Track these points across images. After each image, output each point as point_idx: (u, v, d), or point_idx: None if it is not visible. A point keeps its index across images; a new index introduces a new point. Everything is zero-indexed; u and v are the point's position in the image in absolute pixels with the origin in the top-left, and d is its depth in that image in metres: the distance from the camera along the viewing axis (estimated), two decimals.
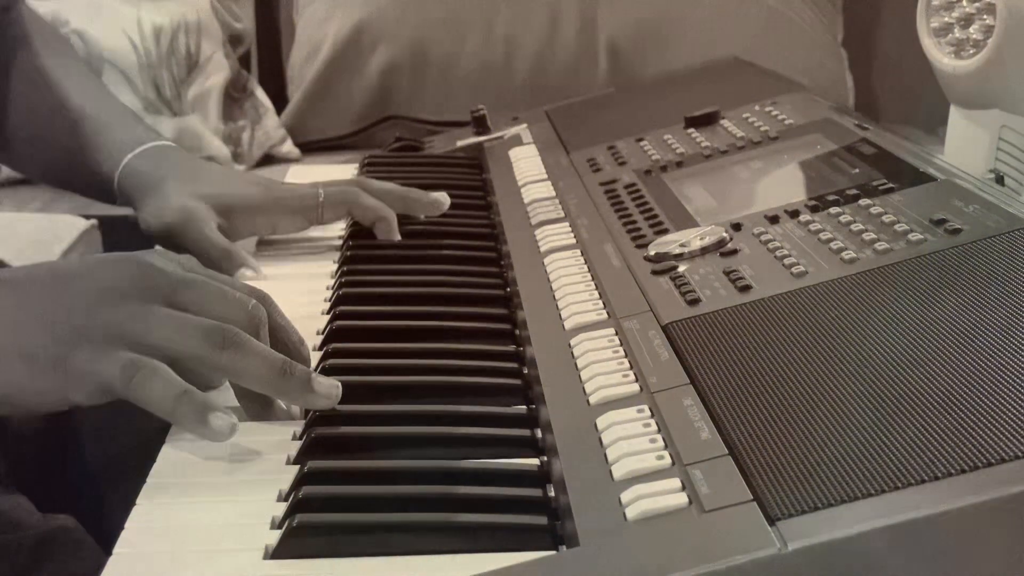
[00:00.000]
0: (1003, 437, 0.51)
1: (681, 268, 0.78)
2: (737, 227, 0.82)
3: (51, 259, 1.23)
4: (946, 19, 0.96)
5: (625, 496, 0.55)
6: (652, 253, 0.82)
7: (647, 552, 0.51)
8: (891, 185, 0.82)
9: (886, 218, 0.77)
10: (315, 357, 0.75)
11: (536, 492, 0.61)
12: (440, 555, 0.57)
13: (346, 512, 0.59)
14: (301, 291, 0.89)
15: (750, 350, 0.65)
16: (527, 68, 1.80)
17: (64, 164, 1.02)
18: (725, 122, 1.10)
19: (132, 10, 1.68)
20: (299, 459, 0.65)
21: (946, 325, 0.61)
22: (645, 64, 1.79)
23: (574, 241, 0.90)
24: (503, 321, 0.82)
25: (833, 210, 0.80)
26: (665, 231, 0.85)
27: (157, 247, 0.90)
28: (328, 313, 0.84)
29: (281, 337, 0.71)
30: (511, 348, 0.78)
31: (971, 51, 0.93)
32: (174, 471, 0.65)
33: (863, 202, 0.80)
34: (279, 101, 1.87)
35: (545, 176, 1.08)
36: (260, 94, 1.82)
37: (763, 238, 0.79)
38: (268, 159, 1.81)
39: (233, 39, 1.81)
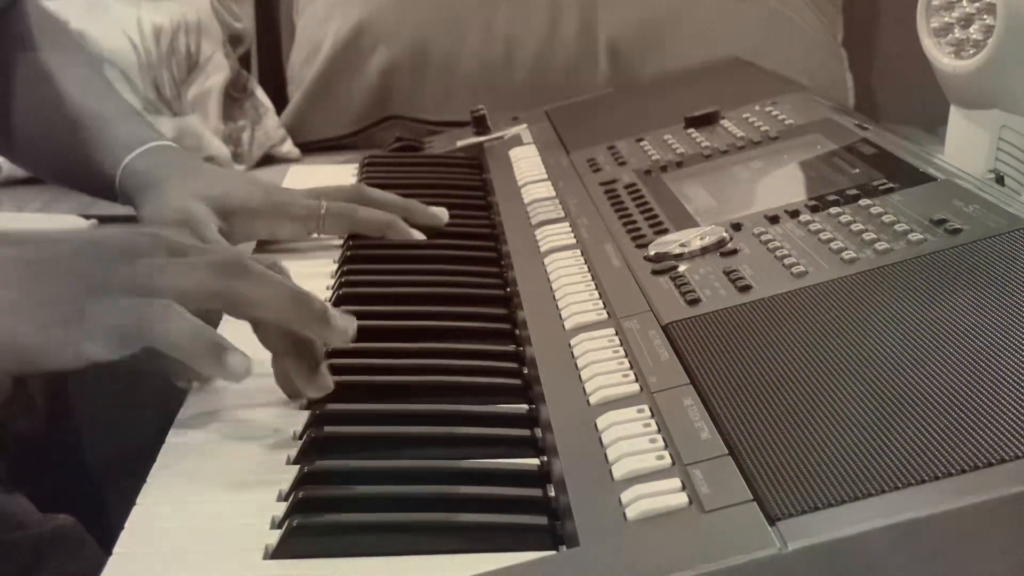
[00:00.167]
0: (1003, 437, 0.51)
1: (681, 268, 0.78)
2: (737, 227, 0.82)
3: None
4: (946, 19, 0.96)
5: (625, 496, 0.55)
6: (652, 253, 0.82)
7: (647, 552, 0.51)
8: (891, 185, 0.82)
9: (886, 218, 0.77)
10: None
11: (536, 492, 0.61)
12: (440, 555, 0.57)
13: (346, 512, 0.59)
14: None
15: (750, 350, 0.65)
16: (527, 68, 1.79)
17: (66, 162, 1.02)
18: (725, 122, 1.10)
19: (132, 10, 1.68)
20: (299, 459, 0.65)
21: (946, 325, 0.61)
22: (645, 64, 1.79)
23: (574, 241, 0.90)
24: (503, 321, 0.82)
25: (833, 210, 0.80)
26: (665, 231, 0.85)
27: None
28: None
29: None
30: (511, 348, 0.78)
31: (971, 51, 0.93)
32: (174, 471, 0.65)
33: (863, 202, 0.80)
34: (279, 101, 1.86)
35: (545, 176, 1.08)
36: (260, 94, 1.82)
37: (763, 238, 0.79)
38: (268, 159, 1.81)
39: (233, 39, 1.81)
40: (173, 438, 0.68)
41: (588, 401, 0.65)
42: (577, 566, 0.52)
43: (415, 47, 1.79)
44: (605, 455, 0.59)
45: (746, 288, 0.72)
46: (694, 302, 0.72)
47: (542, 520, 0.58)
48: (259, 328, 0.70)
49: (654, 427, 0.60)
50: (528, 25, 1.80)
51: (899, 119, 1.78)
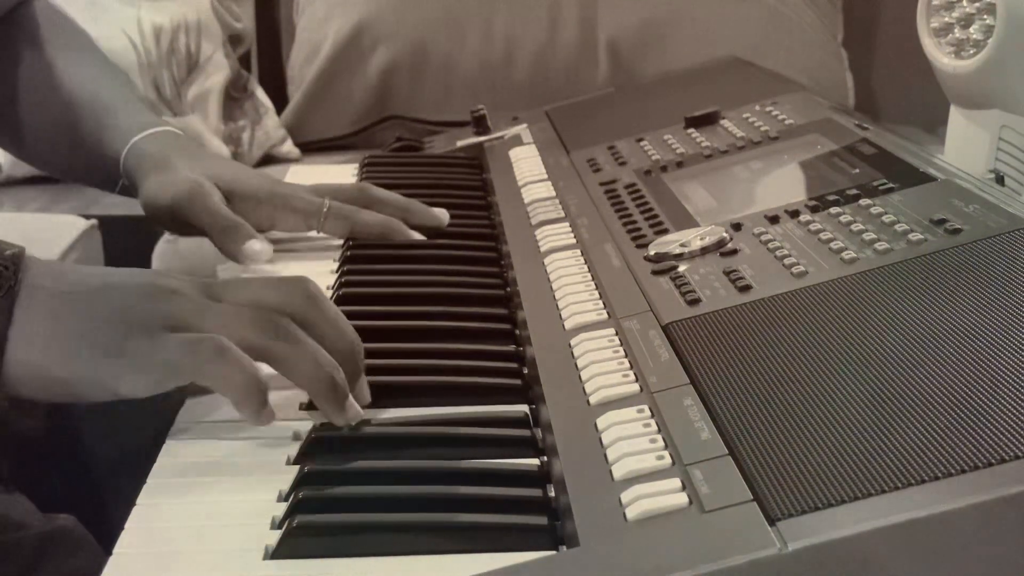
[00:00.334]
0: (1003, 437, 0.51)
1: (681, 268, 0.78)
2: (737, 227, 0.82)
3: (51, 259, 1.22)
4: (946, 19, 0.96)
5: (625, 496, 0.55)
6: (652, 253, 0.82)
7: (647, 552, 0.51)
8: (891, 185, 0.82)
9: (886, 218, 0.77)
10: None
11: (536, 492, 0.61)
12: (440, 555, 0.57)
13: (346, 512, 0.59)
14: None
15: (750, 350, 0.65)
16: (527, 68, 1.80)
17: (71, 147, 1.02)
18: (725, 122, 1.10)
19: (132, 10, 1.68)
20: (299, 459, 0.65)
21: (946, 325, 0.61)
22: (645, 64, 1.79)
23: (574, 241, 0.90)
24: (503, 321, 0.82)
25: (833, 210, 0.80)
26: (665, 231, 0.85)
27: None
28: None
29: (330, 322, 0.71)
30: (511, 348, 0.78)
31: (971, 51, 0.93)
32: (174, 471, 0.65)
33: (863, 202, 0.80)
34: (279, 101, 1.87)
35: (545, 176, 1.08)
36: (260, 94, 1.82)
37: (763, 238, 0.79)
38: (268, 159, 1.81)
39: (233, 39, 1.81)
40: (173, 438, 0.68)
41: (588, 401, 0.65)
42: (577, 566, 0.52)
43: (415, 47, 1.79)
44: (605, 455, 0.59)
45: (746, 288, 0.72)
46: (694, 302, 0.72)
47: (542, 520, 0.58)
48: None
49: (654, 427, 0.60)
50: (528, 25, 1.80)
51: (899, 119, 1.78)
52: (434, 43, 1.79)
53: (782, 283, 0.72)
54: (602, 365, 0.68)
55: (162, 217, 0.94)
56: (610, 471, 0.57)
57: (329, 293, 0.88)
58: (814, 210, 0.82)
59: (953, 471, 0.50)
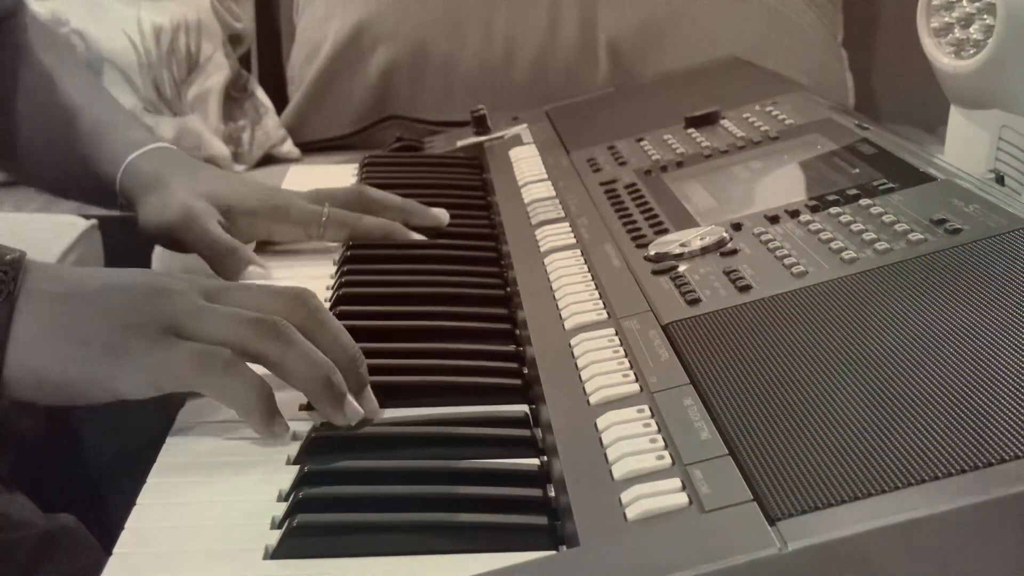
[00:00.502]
0: (1003, 437, 0.51)
1: (681, 268, 0.78)
2: (737, 227, 0.82)
3: (51, 259, 1.22)
4: (946, 19, 0.96)
5: (625, 496, 0.55)
6: (652, 253, 0.82)
7: (647, 552, 0.51)
8: (891, 185, 0.82)
9: (886, 218, 0.77)
10: None
11: (536, 492, 0.61)
12: (440, 555, 0.57)
13: (346, 512, 0.59)
14: None
15: (750, 350, 0.65)
16: (527, 68, 1.79)
17: (66, 166, 1.02)
18: (725, 122, 1.10)
19: (132, 10, 1.68)
20: (299, 459, 0.65)
21: (946, 325, 0.61)
22: (645, 64, 1.79)
23: (574, 241, 0.90)
24: (503, 321, 0.82)
25: (833, 210, 0.80)
26: (665, 231, 0.85)
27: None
28: None
29: (329, 332, 0.71)
30: (511, 348, 0.78)
31: (971, 51, 0.93)
32: (174, 471, 0.65)
33: (863, 202, 0.80)
34: (279, 101, 1.86)
35: (545, 176, 1.08)
36: (260, 94, 1.82)
37: (763, 238, 0.79)
38: (268, 159, 1.81)
39: (233, 39, 1.81)
40: (173, 438, 0.68)
41: (588, 401, 0.65)
42: (577, 566, 0.52)
43: (415, 47, 1.78)
44: (605, 455, 0.59)
45: (746, 288, 0.72)
46: (694, 302, 0.72)
47: (542, 520, 0.58)
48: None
49: (654, 427, 0.60)
50: (528, 25, 1.80)
51: (899, 119, 1.78)
52: (434, 43, 1.79)
53: (782, 283, 0.72)
54: (602, 365, 0.68)
55: (160, 239, 0.95)
56: (610, 471, 0.57)
57: (329, 293, 0.88)
58: (814, 210, 0.82)
59: (953, 471, 0.50)
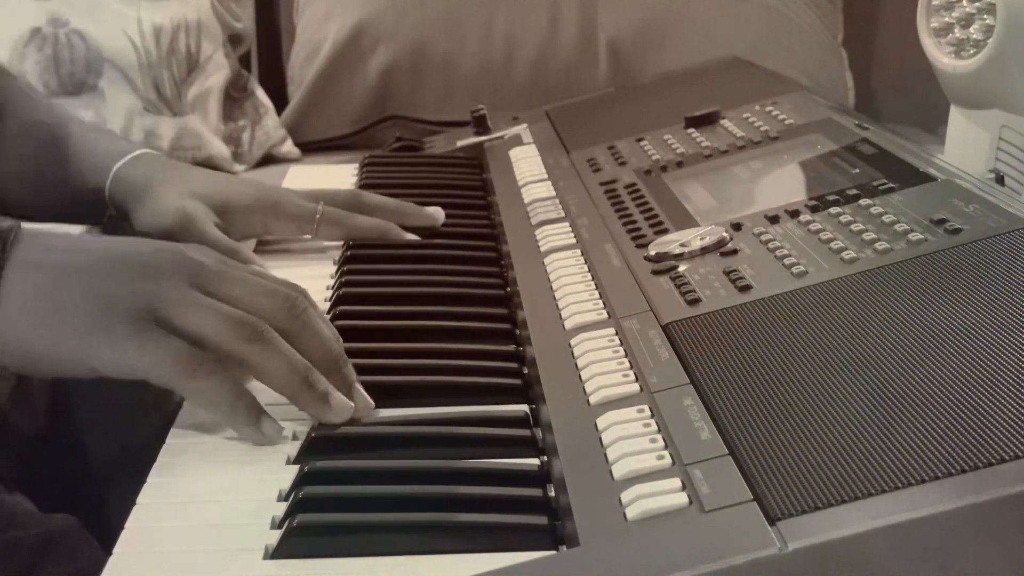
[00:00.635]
0: (1003, 437, 0.51)
1: (681, 268, 0.78)
2: (737, 227, 0.82)
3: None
4: (946, 19, 0.96)
5: (625, 496, 0.55)
6: (652, 253, 0.82)
7: (647, 552, 0.51)
8: (891, 185, 0.82)
9: (886, 218, 0.77)
10: None
11: (536, 492, 0.61)
12: (440, 555, 0.57)
13: (346, 512, 0.59)
14: None
15: (750, 350, 0.65)
16: (527, 68, 1.79)
17: (49, 184, 1.00)
18: (725, 122, 1.10)
19: (132, 10, 1.68)
20: (299, 459, 0.65)
21: (946, 325, 0.61)
22: (645, 64, 1.78)
23: (574, 241, 0.90)
24: (503, 321, 0.82)
25: (833, 210, 0.80)
26: (665, 231, 0.85)
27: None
28: (328, 313, 0.84)
29: (313, 335, 0.71)
30: (511, 348, 0.78)
31: (971, 51, 0.93)
32: (174, 471, 0.65)
33: (863, 202, 0.80)
34: (279, 101, 1.86)
35: (545, 176, 1.08)
36: (260, 94, 1.82)
37: (763, 238, 0.79)
38: (268, 159, 1.81)
39: (233, 39, 1.81)
40: (173, 438, 0.68)
41: (588, 401, 0.65)
42: (577, 566, 0.52)
43: (415, 47, 1.78)
44: (605, 455, 0.59)
45: (746, 288, 0.72)
46: (694, 302, 0.72)
47: (542, 520, 0.58)
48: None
49: (654, 427, 0.60)
50: (528, 25, 1.80)
51: (899, 119, 1.77)
52: (434, 43, 1.79)
53: (782, 283, 0.72)
54: (602, 365, 0.68)
55: None
56: (610, 471, 0.57)
57: (329, 293, 0.88)
58: (814, 210, 0.82)
59: (953, 471, 0.50)
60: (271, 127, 1.80)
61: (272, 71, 1.95)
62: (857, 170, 0.88)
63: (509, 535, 0.57)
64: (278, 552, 0.57)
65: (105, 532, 0.62)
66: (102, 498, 0.86)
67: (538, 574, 0.52)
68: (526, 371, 0.75)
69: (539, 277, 0.85)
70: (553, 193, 1.03)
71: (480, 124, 1.28)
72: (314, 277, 0.93)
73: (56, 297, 0.66)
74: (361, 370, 0.72)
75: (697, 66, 1.48)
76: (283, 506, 0.60)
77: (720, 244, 0.80)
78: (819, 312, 0.67)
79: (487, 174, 1.17)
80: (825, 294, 0.69)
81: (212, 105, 1.72)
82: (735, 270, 0.75)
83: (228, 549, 0.57)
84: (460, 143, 1.27)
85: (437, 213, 1.00)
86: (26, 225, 0.69)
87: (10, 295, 0.66)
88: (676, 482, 0.55)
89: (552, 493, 0.61)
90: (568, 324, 0.75)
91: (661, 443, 0.58)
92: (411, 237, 0.97)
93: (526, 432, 0.67)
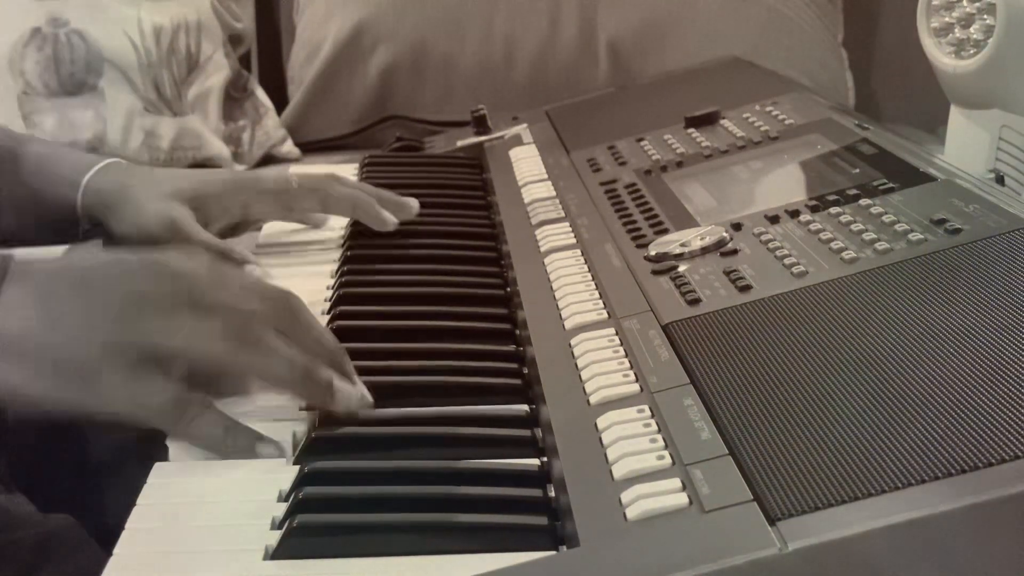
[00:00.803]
0: (1003, 437, 0.51)
1: (681, 268, 0.78)
2: (737, 227, 0.82)
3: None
4: (946, 19, 0.96)
5: (625, 496, 0.55)
6: (652, 253, 0.82)
7: (647, 552, 0.51)
8: (891, 185, 0.82)
9: (886, 218, 0.77)
10: None
11: (536, 492, 0.61)
12: (440, 555, 0.57)
13: (346, 512, 0.59)
14: (301, 291, 0.88)
15: (750, 350, 0.65)
16: (527, 68, 1.79)
17: (17, 204, 0.99)
18: (725, 122, 1.10)
19: (132, 10, 1.68)
20: (299, 459, 0.65)
21: (946, 325, 0.61)
22: (645, 64, 1.78)
23: (574, 241, 0.90)
24: (503, 321, 0.82)
25: (833, 210, 0.80)
26: (665, 231, 0.85)
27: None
28: (328, 313, 0.84)
29: (309, 333, 0.71)
30: (511, 348, 0.78)
31: (971, 51, 0.93)
32: (174, 471, 0.65)
33: (863, 202, 0.80)
34: (279, 101, 1.86)
35: (545, 176, 1.08)
36: (260, 94, 1.82)
37: (763, 238, 0.79)
38: (268, 159, 1.80)
39: (233, 39, 1.81)
40: (173, 438, 0.68)
41: (588, 401, 0.65)
42: (577, 566, 0.52)
43: (415, 47, 1.78)
44: (605, 455, 0.59)
45: (746, 288, 0.72)
46: (694, 302, 0.72)
47: (542, 520, 0.58)
48: None
49: (654, 427, 0.60)
50: (528, 25, 1.80)
51: (899, 119, 1.77)
52: (434, 43, 1.79)
53: (782, 283, 0.72)
54: (602, 365, 0.68)
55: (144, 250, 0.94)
56: (610, 471, 0.57)
57: (329, 293, 0.88)
58: (814, 210, 0.82)
59: (953, 471, 0.50)
60: (271, 127, 1.80)
61: (272, 71, 1.95)
62: (857, 170, 0.88)
63: (509, 535, 0.57)
64: (278, 552, 0.57)
65: (105, 532, 0.62)
66: (101, 498, 0.86)
67: (538, 574, 0.52)
68: (526, 371, 0.75)
69: (539, 277, 0.85)
70: (553, 193, 1.03)
71: (480, 124, 1.28)
72: (314, 276, 0.93)
73: (45, 346, 0.65)
74: (361, 370, 0.72)
75: (697, 66, 1.48)
76: (283, 506, 0.60)
77: (720, 244, 0.80)
78: (819, 312, 0.67)
79: (487, 174, 1.17)
80: (825, 294, 0.69)
81: (212, 105, 1.72)
82: (735, 270, 0.75)
83: (228, 549, 0.57)
84: (460, 143, 1.27)
85: (412, 202, 0.99)
86: (18, 254, 0.68)
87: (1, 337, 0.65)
88: (676, 482, 0.55)
89: (552, 493, 0.61)
90: (568, 324, 0.75)
91: (661, 443, 0.58)
92: (388, 218, 0.96)
93: (526, 432, 0.67)
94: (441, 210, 1.05)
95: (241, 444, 0.66)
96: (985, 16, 0.91)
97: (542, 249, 0.90)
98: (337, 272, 0.92)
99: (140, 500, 0.62)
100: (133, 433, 0.74)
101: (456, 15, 1.80)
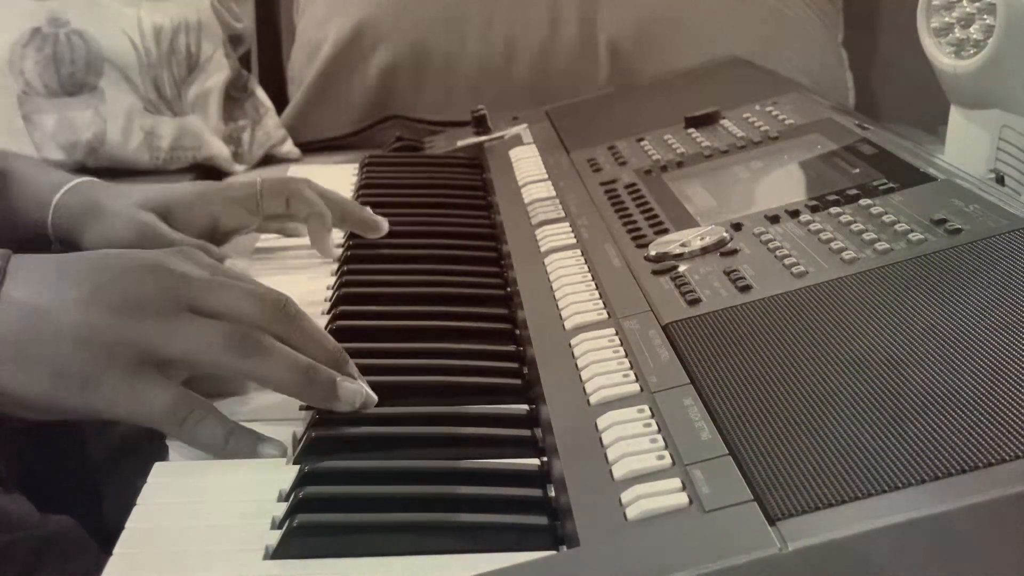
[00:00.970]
0: (1003, 437, 0.51)
1: (681, 268, 0.78)
2: (737, 227, 0.82)
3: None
4: (946, 19, 0.96)
5: (625, 496, 0.55)
6: (652, 253, 0.82)
7: (647, 552, 0.51)
8: (891, 185, 0.82)
9: (886, 218, 0.76)
10: None
11: (536, 492, 0.61)
12: (440, 555, 0.57)
13: (346, 512, 0.59)
14: (301, 291, 0.89)
15: (750, 350, 0.65)
16: (527, 68, 1.79)
17: None
18: (725, 122, 1.10)
19: (132, 10, 1.67)
20: (299, 459, 0.65)
21: (946, 325, 0.61)
22: (645, 64, 1.78)
23: (574, 241, 0.90)
24: (503, 321, 0.82)
25: (833, 210, 0.80)
26: (665, 231, 0.85)
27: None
28: (328, 313, 0.84)
29: (308, 334, 0.70)
30: (511, 348, 0.78)
31: (971, 51, 0.93)
32: (174, 471, 0.65)
33: (863, 202, 0.80)
34: (279, 101, 1.86)
35: (545, 176, 1.08)
36: (260, 94, 1.82)
37: (763, 238, 0.79)
38: (268, 159, 1.81)
39: (233, 39, 1.81)
40: (173, 438, 0.68)
41: (588, 401, 0.65)
42: (577, 566, 0.52)
43: (415, 47, 1.78)
44: (605, 455, 0.59)
45: (746, 288, 0.72)
46: (694, 302, 0.72)
47: (542, 520, 0.58)
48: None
49: (654, 427, 0.60)
50: (528, 25, 1.80)
51: (899, 119, 1.77)
52: (434, 43, 1.79)
53: (782, 283, 0.72)
54: (602, 365, 0.68)
55: None
56: (610, 471, 0.57)
57: (329, 293, 0.88)
58: (814, 210, 0.82)
59: (953, 471, 0.50)
60: (271, 127, 1.80)
61: (272, 71, 1.95)
62: (857, 170, 0.88)
63: (509, 535, 0.57)
64: (278, 552, 0.57)
65: (105, 532, 0.62)
66: (101, 499, 0.86)
67: (538, 574, 0.52)
68: (526, 371, 0.75)
69: (539, 277, 0.85)
70: (553, 193, 1.03)
71: (480, 124, 1.28)
72: (314, 276, 0.93)
73: (46, 352, 0.65)
74: (361, 370, 0.72)
75: (697, 66, 1.48)
76: (283, 506, 0.60)
77: (720, 244, 0.80)
78: (819, 312, 0.67)
79: (487, 174, 1.17)
80: (825, 294, 0.69)
81: (212, 105, 1.72)
82: (735, 270, 0.75)
83: (228, 549, 0.57)
84: (460, 143, 1.27)
85: (382, 223, 0.98)
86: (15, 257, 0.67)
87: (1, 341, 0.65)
88: (676, 482, 0.55)
89: (552, 493, 0.61)
90: (568, 324, 0.75)
91: (661, 443, 0.58)
92: (331, 248, 0.96)
93: (526, 432, 0.67)
94: (441, 210, 1.05)
95: (242, 446, 0.66)
96: (985, 16, 0.91)
97: (542, 249, 0.90)
98: (337, 272, 0.92)
99: (140, 500, 0.62)
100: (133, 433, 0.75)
101: (456, 15, 1.80)
